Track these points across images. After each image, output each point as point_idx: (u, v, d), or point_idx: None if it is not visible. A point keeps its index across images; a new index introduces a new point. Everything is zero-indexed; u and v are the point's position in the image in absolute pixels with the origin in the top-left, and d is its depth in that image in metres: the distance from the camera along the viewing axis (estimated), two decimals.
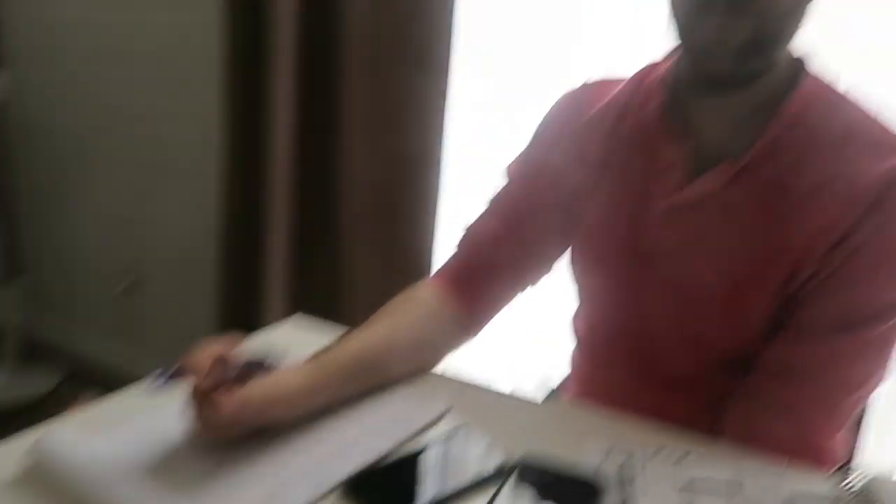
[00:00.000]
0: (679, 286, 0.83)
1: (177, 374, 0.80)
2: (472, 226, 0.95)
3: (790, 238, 0.76)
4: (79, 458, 0.65)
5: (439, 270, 0.95)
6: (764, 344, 0.80)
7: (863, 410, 0.92)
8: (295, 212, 1.82)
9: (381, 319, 0.86)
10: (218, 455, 0.67)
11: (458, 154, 1.71)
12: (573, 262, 0.95)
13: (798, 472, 0.72)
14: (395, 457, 0.69)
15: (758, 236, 0.78)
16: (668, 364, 0.87)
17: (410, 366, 0.85)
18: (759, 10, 0.69)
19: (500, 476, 0.66)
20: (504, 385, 0.85)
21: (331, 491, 0.64)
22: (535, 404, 0.85)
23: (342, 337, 0.82)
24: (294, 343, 0.86)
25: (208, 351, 0.69)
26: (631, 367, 0.91)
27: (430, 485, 0.65)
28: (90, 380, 2.38)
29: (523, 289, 0.95)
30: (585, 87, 0.94)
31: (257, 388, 0.69)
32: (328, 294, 1.81)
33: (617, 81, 0.91)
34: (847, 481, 0.70)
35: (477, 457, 0.69)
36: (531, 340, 1.70)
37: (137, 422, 0.72)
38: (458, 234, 0.96)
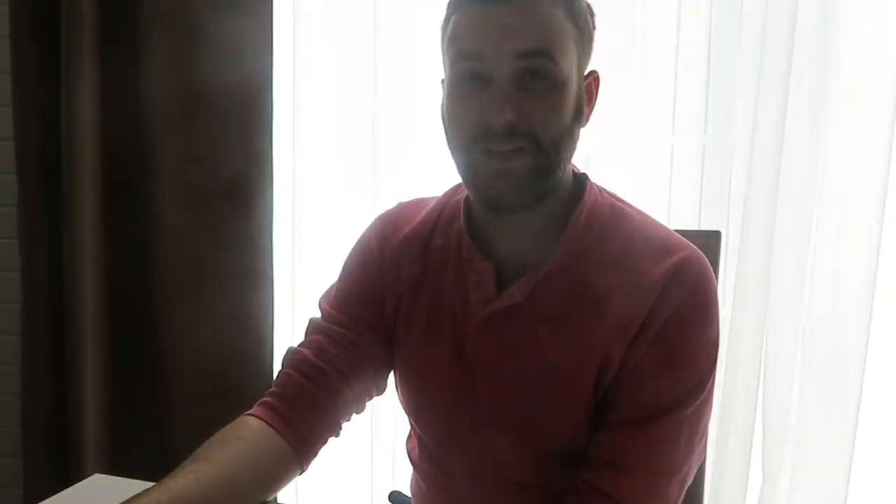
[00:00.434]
0: (504, 390, 0.85)
1: None
2: (291, 354, 0.92)
3: (593, 340, 0.81)
4: None
5: (262, 401, 0.90)
6: (588, 440, 0.83)
7: (694, 487, 0.96)
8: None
9: (207, 455, 0.79)
10: None
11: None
12: (399, 383, 0.95)
13: None
14: None
15: (564, 341, 0.82)
16: (506, 468, 0.88)
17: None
18: (532, 146, 0.76)
19: None
20: None
21: None
22: None
23: (156, 486, 0.74)
24: None
25: None
26: (471, 478, 0.91)
27: None
28: None
29: (348, 417, 0.92)
30: (399, 206, 0.97)
31: None
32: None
33: (430, 200, 0.95)
34: None
35: None
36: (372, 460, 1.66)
37: None
38: (280, 361, 0.93)
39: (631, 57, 1.45)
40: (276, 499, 0.87)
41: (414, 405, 0.95)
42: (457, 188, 0.93)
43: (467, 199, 0.88)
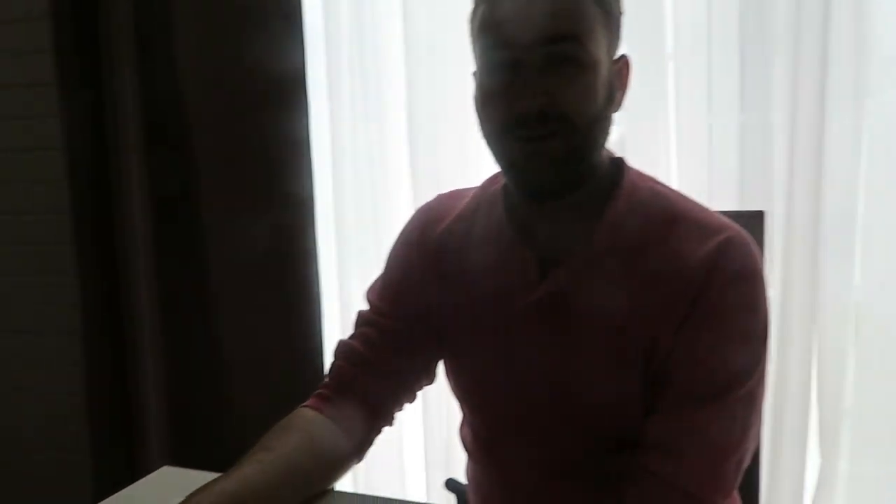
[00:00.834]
0: (552, 376, 0.86)
1: None
2: (342, 347, 0.94)
3: (638, 323, 0.81)
4: None
5: (316, 393, 0.93)
6: (642, 424, 0.83)
7: (751, 470, 0.95)
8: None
9: (269, 444, 0.83)
10: None
11: None
12: (449, 371, 0.96)
13: None
14: None
15: (609, 325, 0.82)
16: (560, 453, 0.88)
17: (306, 492, 0.83)
18: (564, 129, 0.76)
19: None
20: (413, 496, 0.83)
21: None
22: None
23: (223, 476, 0.77)
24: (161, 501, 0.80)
25: None
26: (526, 463, 0.92)
27: None
28: None
29: (400, 406, 0.94)
30: (439, 198, 0.98)
31: None
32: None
33: (468, 190, 0.96)
34: None
35: None
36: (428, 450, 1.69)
37: None
38: (332, 353, 0.95)
39: (662, 37, 1.42)
40: (333, 488, 0.89)
41: (464, 393, 0.96)
42: (494, 178, 0.93)
43: (506, 187, 0.89)
